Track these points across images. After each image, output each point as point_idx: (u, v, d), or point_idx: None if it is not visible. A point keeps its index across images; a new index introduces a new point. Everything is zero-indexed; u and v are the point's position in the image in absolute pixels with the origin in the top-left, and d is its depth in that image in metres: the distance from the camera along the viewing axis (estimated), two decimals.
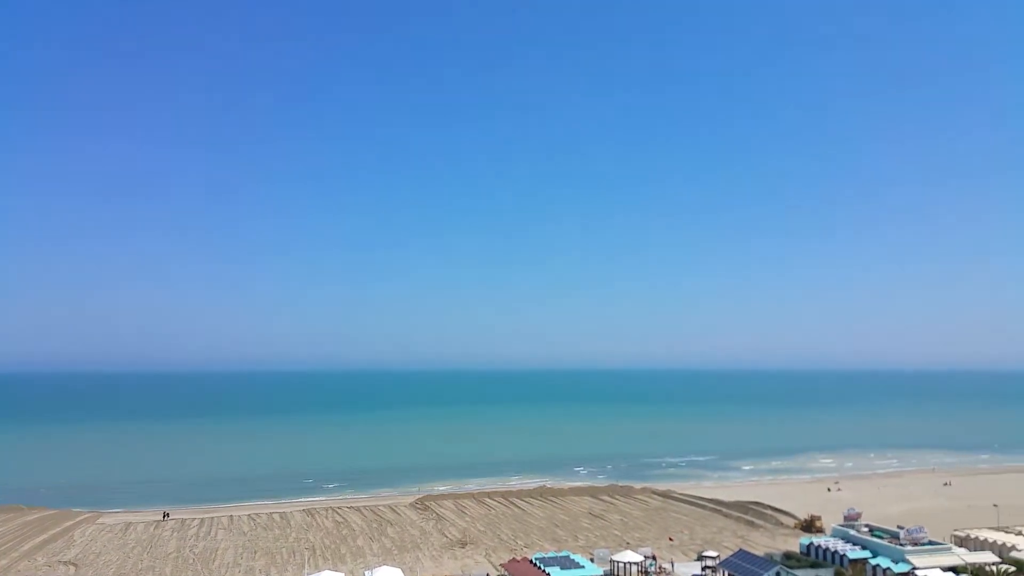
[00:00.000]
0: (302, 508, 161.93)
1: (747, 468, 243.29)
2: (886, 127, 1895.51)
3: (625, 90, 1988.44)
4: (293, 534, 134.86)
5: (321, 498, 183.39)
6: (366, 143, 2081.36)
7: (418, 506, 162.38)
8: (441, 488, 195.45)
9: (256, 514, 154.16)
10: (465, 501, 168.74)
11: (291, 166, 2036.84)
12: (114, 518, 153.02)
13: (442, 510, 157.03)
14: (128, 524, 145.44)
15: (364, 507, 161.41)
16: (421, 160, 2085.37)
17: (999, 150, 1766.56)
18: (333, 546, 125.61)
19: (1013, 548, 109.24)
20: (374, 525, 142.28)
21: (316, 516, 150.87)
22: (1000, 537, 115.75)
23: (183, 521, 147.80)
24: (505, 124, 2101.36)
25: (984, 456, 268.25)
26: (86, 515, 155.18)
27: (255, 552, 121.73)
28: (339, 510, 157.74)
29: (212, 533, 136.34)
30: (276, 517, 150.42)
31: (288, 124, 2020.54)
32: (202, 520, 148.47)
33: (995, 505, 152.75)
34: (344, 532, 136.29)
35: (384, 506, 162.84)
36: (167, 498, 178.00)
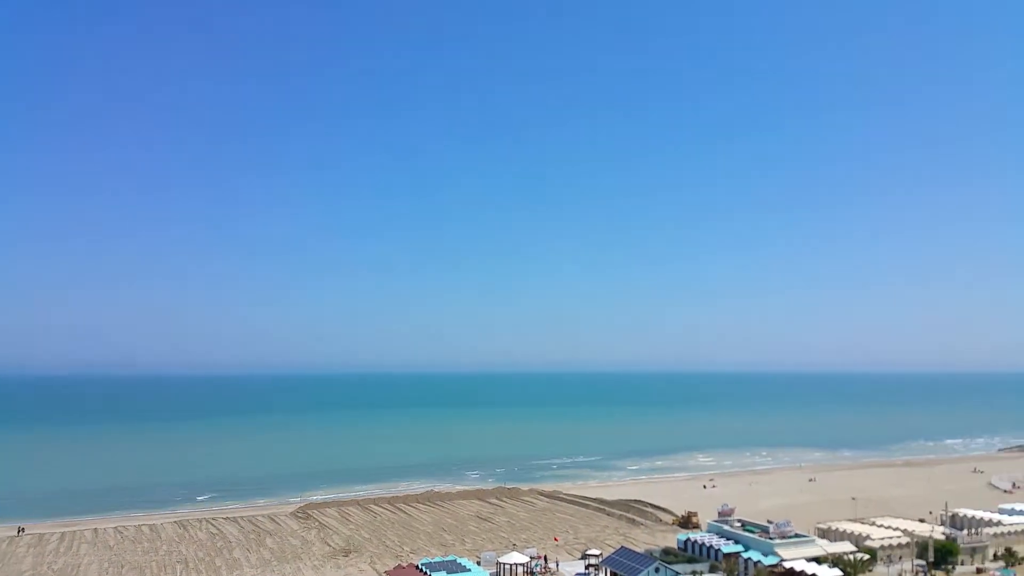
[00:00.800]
0: (173, 520, 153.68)
1: (632, 467, 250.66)
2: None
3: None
4: (164, 547, 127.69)
5: (194, 509, 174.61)
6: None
7: (299, 515, 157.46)
8: (324, 496, 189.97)
9: (123, 527, 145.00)
10: (349, 508, 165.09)
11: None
12: None
13: (325, 518, 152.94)
14: None
15: (241, 517, 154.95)
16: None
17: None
18: (207, 559, 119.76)
19: (867, 538, 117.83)
20: (252, 536, 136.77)
21: (189, 528, 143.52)
22: (856, 528, 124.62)
23: (41, 536, 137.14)
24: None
25: (846, 453, 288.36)
26: None
27: (122, 567, 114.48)
28: (214, 521, 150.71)
29: (74, 548, 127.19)
30: (145, 530, 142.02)
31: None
32: (63, 534, 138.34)
33: (853, 498, 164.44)
34: (219, 544, 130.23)
35: (263, 516, 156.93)
36: (22, 511, 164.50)
